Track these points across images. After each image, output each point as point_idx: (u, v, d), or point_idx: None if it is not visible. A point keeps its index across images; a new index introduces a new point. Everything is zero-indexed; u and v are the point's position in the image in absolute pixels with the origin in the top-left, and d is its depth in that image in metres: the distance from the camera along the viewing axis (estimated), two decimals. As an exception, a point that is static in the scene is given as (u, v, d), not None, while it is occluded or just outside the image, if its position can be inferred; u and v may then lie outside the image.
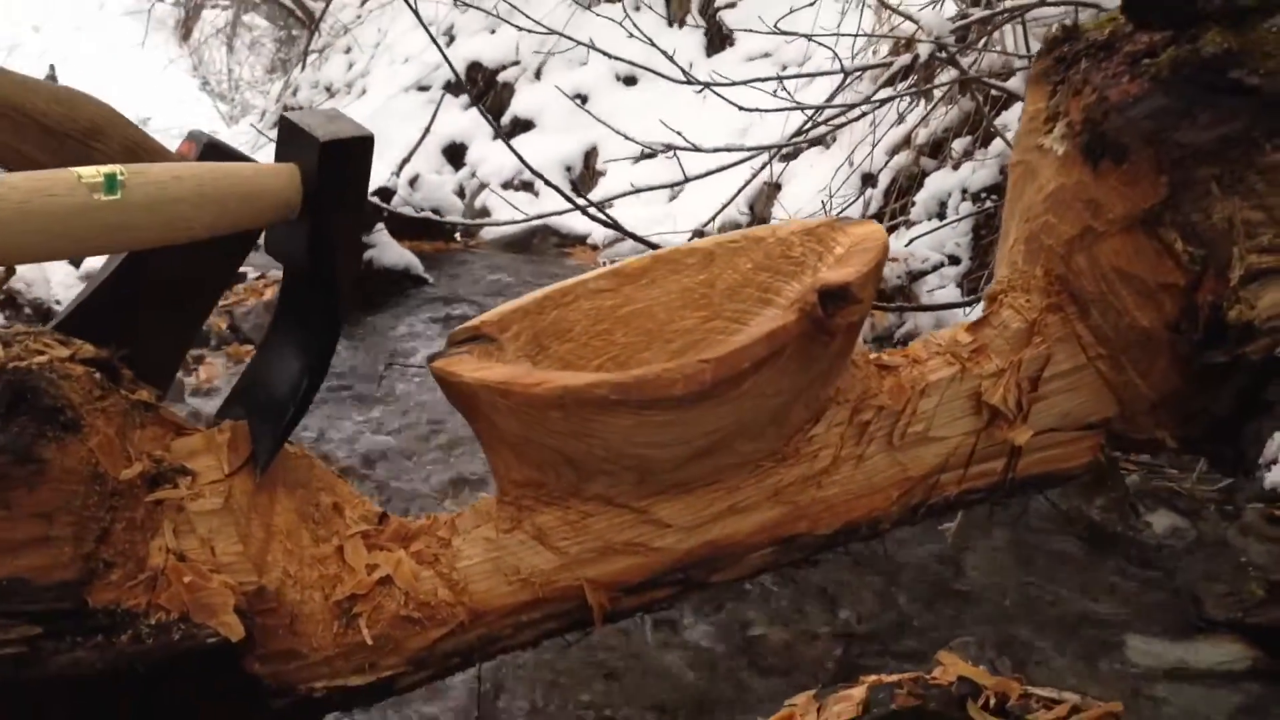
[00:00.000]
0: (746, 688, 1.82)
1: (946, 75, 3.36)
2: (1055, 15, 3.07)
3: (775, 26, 3.26)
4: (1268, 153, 1.15)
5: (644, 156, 3.42)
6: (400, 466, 2.78)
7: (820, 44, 3.55)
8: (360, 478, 2.75)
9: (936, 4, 3.52)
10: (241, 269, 4.99)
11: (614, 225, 2.87)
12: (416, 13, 2.88)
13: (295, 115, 1.09)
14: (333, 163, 1.08)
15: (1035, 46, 3.15)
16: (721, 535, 1.23)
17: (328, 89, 8.51)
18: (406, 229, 5.35)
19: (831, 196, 3.92)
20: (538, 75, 6.86)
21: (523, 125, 6.64)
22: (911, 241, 3.97)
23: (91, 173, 0.95)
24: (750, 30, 3.71)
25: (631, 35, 3.26)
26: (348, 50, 8.62)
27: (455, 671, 1.25)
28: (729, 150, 3.15)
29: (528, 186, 6.14)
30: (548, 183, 2.95)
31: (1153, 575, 2.20)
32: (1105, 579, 2.17)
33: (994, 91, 3.26)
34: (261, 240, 1.18)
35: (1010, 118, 3.44)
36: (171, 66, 12.28)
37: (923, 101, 3.82)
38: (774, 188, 4.41)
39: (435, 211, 5.22)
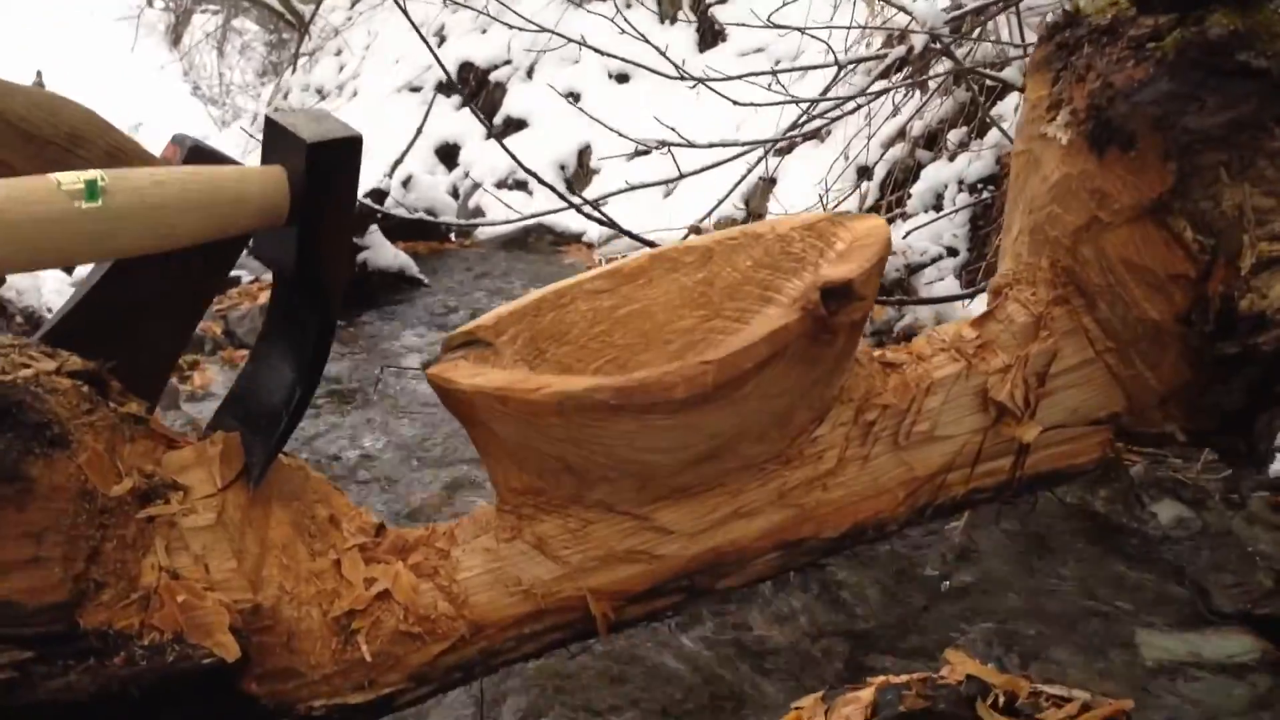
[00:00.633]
0: (752, 690, 1.79)
1: (941, 66, 3.33)
2: (1049, 4, 3.04)
3: (768, 21, 3.24)
4: (1278, 137, 1.12)
5: (638, 154, 3.39)
6: (397, 472, 2.75)
7: (813, 37, 3.52)
8: (357, 483, 2.72)
9: (929, -5, 3.50)
10: (235, 272, 4.97)
11: (609, 223, 2.85)
12: (406, 13, 2.86)
13: (281, 116, 1.06)
14: (321, 165, 1.05)
15: (1030, 36, 3.13)
16: (726, 541, 1.21)
17: (319, 91, 8.48)
18: (401, 230, 5.33)
19: (828, 190, 3.90)
20: (529, 74, 6.85)
21: (515, 124, 6.63)
22: (909, 234, 3.94)
23: (72, 179, 0.93)
24: (743, 25, 3.68)
25: (623, 32, 3.23)
26: (338, 53, 8.60)
27: (457, 686, 1.22)
28: (723, 145, 3.13)
29: (521, 185, 6.13)
30: (541, 181, 2.92)
31: (1159, 567, 2.19)
32: (1112, 571, 2.15)
33: (989, 82, 3.23)
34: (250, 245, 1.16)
35: (1006, 108, 3.42)
36: (162, 72, 12.26)
37: (917, 93, 3.80)
38: (769, 183, 4.39)
39: (429, 212, 5.19)
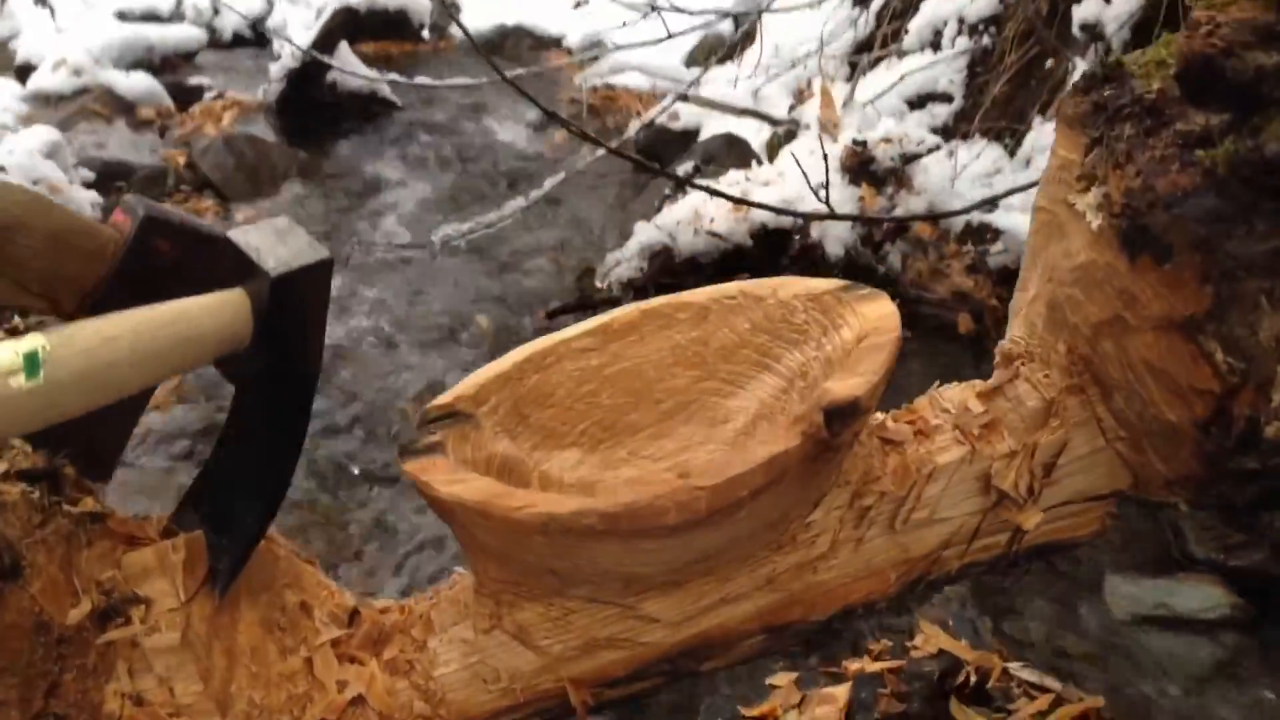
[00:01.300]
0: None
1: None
2: None
3: None
4: (1326, 264, 1.04)
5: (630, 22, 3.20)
6: (369, 367, 2.69)
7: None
8: (324, 380, 2.66)
9: None
10: (195, 82, 4.72)
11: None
12: None
13: (242, 236, 0.96)
14: (288, 296, 0.95)
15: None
16: (712, 625, 1.17)
17: None
18: (370, 29, 5.09)
19: (825, 32, 3.72)
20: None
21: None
22: (904, 77, 3.78)
23: (8, 358, 0.83)
24: None
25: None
26: None
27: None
28: (714, 12, 2.95)
29: (499, -18, 5.82)
30: None
31: (1132, 504, 2.18)
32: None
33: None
34: None
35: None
36: None
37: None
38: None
39: (400, 12, 4.94)
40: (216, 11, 5.59)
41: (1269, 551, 1.95)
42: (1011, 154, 3.34)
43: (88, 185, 3.48)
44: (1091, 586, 2.07)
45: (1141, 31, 2.92)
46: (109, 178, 3.60)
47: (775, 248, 2.65)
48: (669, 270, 2.70)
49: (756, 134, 3.69)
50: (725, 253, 2.69)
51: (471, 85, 3.40)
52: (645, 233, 2.72)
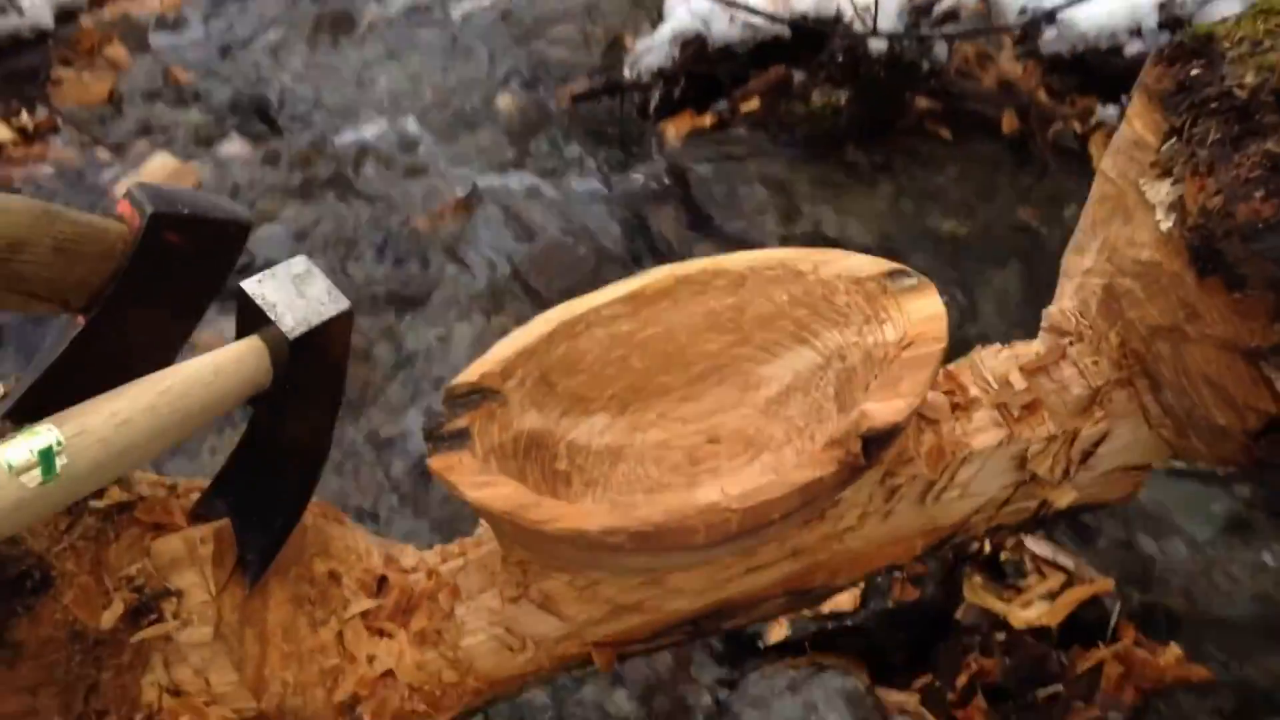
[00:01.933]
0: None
1: None
2: None
3: None
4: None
5: None
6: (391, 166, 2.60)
7: None
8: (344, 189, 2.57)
9: None
10: None
11: None
12: None
13: (257, 289, 0.90)
14: (308, 351, 0.90)
15: None
16: (736, 593, 1.18)
17: None
18: None
19: None
20: None
21: None
22: None
23: (23, 455, 0.79)
24: None
25: None
26: None
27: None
28: None
29: None
30: None
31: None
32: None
33: None
34: None
35: None
36: None
37: None
38: None
39: None
40: None
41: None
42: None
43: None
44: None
45: None
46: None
47: (815, 42, 2.50)
48: (702, 59, 2.56)
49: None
50: (762, 43, 2.54)
51: None
52: (677, 17, 2.56)
